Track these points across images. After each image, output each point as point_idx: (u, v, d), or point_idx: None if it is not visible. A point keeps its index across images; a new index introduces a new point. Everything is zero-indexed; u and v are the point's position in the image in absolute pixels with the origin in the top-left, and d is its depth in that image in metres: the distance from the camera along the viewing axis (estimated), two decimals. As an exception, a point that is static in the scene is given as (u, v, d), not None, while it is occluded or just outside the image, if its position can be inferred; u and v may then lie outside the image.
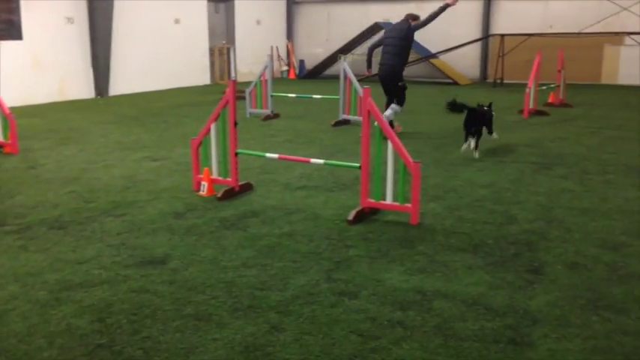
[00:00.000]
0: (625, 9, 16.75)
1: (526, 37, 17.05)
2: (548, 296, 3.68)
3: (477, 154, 7.74)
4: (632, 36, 16.31)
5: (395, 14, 20.06)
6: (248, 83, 12.38)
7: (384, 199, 5.20)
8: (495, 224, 5.09)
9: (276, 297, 3.66)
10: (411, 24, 9.45)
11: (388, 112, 9.51)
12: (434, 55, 19.07)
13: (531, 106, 11.36)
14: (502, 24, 18.79)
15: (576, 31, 16.79)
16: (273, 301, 3.61)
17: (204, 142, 6.06)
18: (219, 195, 5.81)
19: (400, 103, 9.60)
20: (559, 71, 12.60)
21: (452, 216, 5.33)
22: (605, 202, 5.70)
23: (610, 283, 3.87)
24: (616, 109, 12.19)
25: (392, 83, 9.54)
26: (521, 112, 11.46)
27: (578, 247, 4.53)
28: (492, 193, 6.08)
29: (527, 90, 11.24)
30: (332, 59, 20.48)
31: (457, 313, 3.47)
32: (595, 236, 4.76)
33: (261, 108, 11.41)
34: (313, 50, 22.09)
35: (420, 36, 19.60)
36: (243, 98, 11.73)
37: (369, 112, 5.05)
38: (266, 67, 11.29)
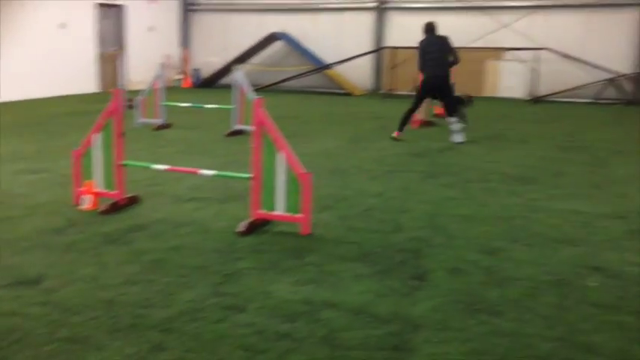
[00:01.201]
0: (505, 26, 17.84)
1: (416, 50, 17.71)
2: (431, 302, 3.81)
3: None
4: (511, 51, 17.41)
5: (291, 25, 20.30)
6: (140, 92, 12.02)
7: (276, 210, 5.19)
8: (384, 233, 5.22)
9: (159, 314, 3.54)
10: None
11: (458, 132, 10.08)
12: (328, 66, 19.41)
13: (421, 117, 11.79)
14: (394, 37, 19.42)
15: (462, 46, 17.66)
16: (157, 318, 3.49)
17: (87, 154, 5.79)
18: (102, 209, 5.57)
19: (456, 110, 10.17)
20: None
21: (342, 225, 5.41)
22: (485, 209, 6.00)
23: (487, 287, 4.06)
24: (497, 120, 12.91)
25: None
26: (411, 122, 11.85)
27: (459, 252, 4.73)
28: (382, 202, 6.24)
29: (416, 101, 11.65)
30: (228, 68, 20.33)
31: (344, 323, 3.51)
32: (475, 242, 4.99)
33: (153, 117, 11.10)
34: (209, 59, 21.82)
35: (314, 47, 20.02)
36: (133, 107, 11.37)
37: (260, 122, 5.04)
38: (158, 75, 11.00)
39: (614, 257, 4.67)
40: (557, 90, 17.31)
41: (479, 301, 3.84)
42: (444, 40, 10.12)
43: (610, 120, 13.63)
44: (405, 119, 10.21)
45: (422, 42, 10.31)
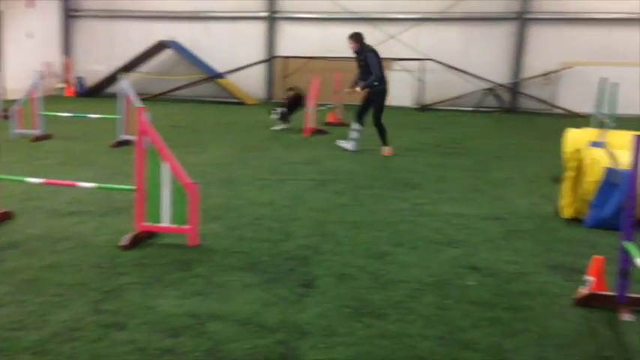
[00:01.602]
0: (392, 37, 18.46)
1: (307, 59, 17.97)
2: (318, 308, 3.83)
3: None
4: (399, 62, 18.03)
5: (181, 33, 19.91)
6: (16, 101, 11.30)
7: (162, 222, 5.03)
8: (273, 241, 5.20)
9: (32, 336, 3.32)
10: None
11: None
12: (220, 75, 19.22)
13: (312, 125, 11.93)
14: (285, 46, 19.56)
15: (351, 56, 18.09)
16: (28, 341, 3.26)
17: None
18: (-29, 226, 5.17)
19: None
20: (336, 92, 13.44)
21: (231, 235, 5.33)
22: (373, 215, 6.13)
23: (373, 291, 4.14)
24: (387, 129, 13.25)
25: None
26: (302, 130, 11.98)
27: (347, 258, 4.80)
28: (272, 210, 6.22)
29: (307, 110, 11.80)
30: (115, 77, 19.59)
31: (230, 334, 3.45)
32: (362, 247, 5.09)
33: (30, 128, 10.48)
34: (94, 67, 20.94)
35: (206, 55, 19.75)
36: (8, 117, 10.67)
37: (143, 132, 4.87)
38: (35, 84, 10.40)
39: (491, 257, 4.92)
40: (442, 99, 18.12)
41: (365, 305, 3.91)
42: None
43: (490, 127, 14.44)
44: (382, 132, 9.94)
45: (375, 50, 9.93)
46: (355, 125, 9.98)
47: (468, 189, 7.45)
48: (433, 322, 3.67)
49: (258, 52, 19.80)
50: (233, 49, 19.87)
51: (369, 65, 9.60)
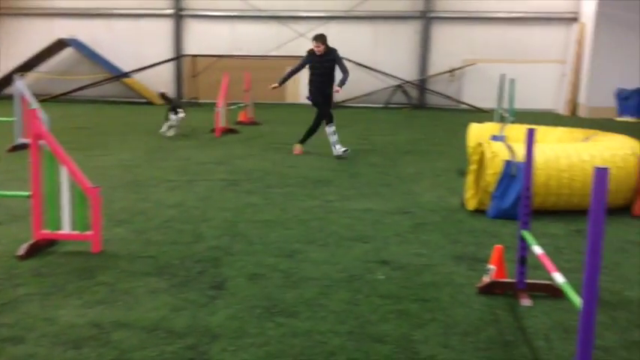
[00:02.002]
0: (302, 35, 18.53)
1: (216, 58, 17.73)
2: (229, 310, 3.77)
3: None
4: (309, 60, 18.14)
5: (82, 31, 19.11)
6: None
7: (62, 229, 4.80)
8: (183, 244, 5.08)
9: None
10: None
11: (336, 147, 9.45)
12: (126, 75, 18.62)
13: (223, 124, 11.78)
14: (193, 44, 19.21)
15: (261, 54, 18.03)
16: None
17: None
18: None
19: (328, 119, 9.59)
20: (246, 91, 13.34)
21: (138, 240, 5.17)
22: (284, 213, 6.12)
23: (284, 290, 4.13)
24: (298, 126, 13.25)
25: None
26: (213, 130, 11.80)
27: (258, 258, 4.76)
28: (181, 212, 6.08)
29: (217, 109, 11.64)
30: (10, 77, 18.54)
31: (137, 342, 3.34)
32: (274, 246, 5.06)
33: None
34: (-12, 67, 19.73)
35: (109, 54, 19.07)
36: None
37: (37, 135, 4.62)
38: None
39: (400, 250, 5.03)
40: (352, 96, 18.38)
41: (276, 304, 3.88)
42: None
43: (399, 123, 14.79)
44: (314, 131, 9.78)
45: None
46: (331, 128, 9.43)
47: (377, 184, 7.59)
48: (344, 318, 3.70)
49: (165, 51, 19.33)
50: (138, 48, 19.30)
51: (341, 66, 9.24)
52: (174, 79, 19.65)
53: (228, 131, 11.93)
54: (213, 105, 12.83)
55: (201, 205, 6.36)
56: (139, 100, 18.51)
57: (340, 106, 17.92)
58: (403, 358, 3.23)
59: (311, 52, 9.32)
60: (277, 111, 16.34)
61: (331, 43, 21.06)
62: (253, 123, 13.32)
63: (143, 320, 3.60)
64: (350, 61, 18.11)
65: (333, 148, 9.33)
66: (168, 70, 19.42)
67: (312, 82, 9.47)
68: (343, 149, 9.30)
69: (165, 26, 19.41)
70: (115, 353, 3.20)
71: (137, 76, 18.91)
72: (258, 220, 5.86)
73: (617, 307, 3.96)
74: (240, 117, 13.48)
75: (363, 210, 6.29)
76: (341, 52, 19.32)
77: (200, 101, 17.86)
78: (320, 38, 9.29)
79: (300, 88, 18.82)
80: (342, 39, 18.64)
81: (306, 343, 3.36)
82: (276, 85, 9.58)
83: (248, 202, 6.53)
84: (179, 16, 19.27)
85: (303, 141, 9.72)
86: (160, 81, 19.33)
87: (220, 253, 4.84)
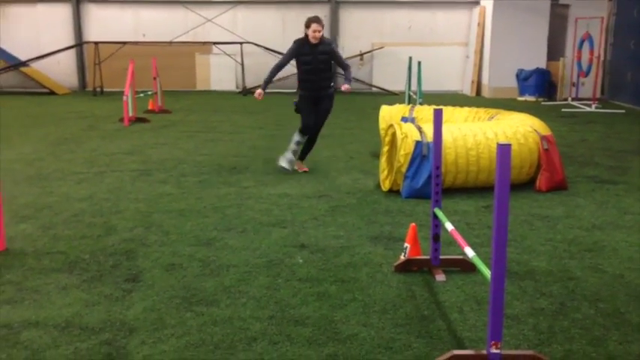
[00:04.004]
0: (209, 20, 18.18)
1: (120, 44, 17.10)
2: (146, 302, 3.68)
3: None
4: (218, 45, 17.83)
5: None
6: None
7: (-40, 228, 4.50)
8: (94, 237, 4.89)
9: None
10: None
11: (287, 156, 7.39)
12: (23, 64, 17.63)
13: (131, 113, 11.39)
14: (95, 31, 18.39)
15: (168, 40, 17.55)
16: None
17: None
18: None
19: (301, 128, 7.38)
20: (154, 79, 12.96)
21: (46, 235, 4.93)
22: (199, 201, 6.02)
23: (203, 278, 4.07)
24: (210, 114, 13.11)
25: None
26: (121, 120, 11.40)
27: (175, 248, 4.66)
28: (91, 205, 5.85)
29: (125, 98, 11.25)
30: None
31: (49, 341, 3.20)
32: (190, 235, 4.97)
33: None
34: None
35: (5, 43, 17.96)
36: None
37: None
38: None
39: (318, 233, 5.07)
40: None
41: (195, 293, 3.82)
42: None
43: (311, 108, 14.85)
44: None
45: None
46: (301, 137, 7.40)
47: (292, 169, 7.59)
48: (264, 303, 3.69)
49: (65, 38, 18.39)
50: (36, 35, 18.27)
51: (340, 60, 7.34)
52: (78, 67, 18.78)
53: (138, 120, 11.56)
54: (119, 94, 12.39)
55: (112, 197, 6.14)
56: (40, 91, 17.56)
57: (251, 92, 17.76)
58: (324, 338, 3.27)
59: (301, 42, 7.12)
60: (188, 98, 15.99)
61: (239, 28, 20.74)
62: (163, 111, 12.96)
63: (55, 318, 3.45)
64: (259, 46, 18.00)
65: (285, 153, 7.38)
66: (70, 58, 18.53)
67: (305, 82, 7.26)
68: (287, 165, 7.30)
69: (64, 12, 18.45)
70: (26, 354, 3.05)
71: (36, 65, 17.93)
72: (173, 209, 5.73)
73: (524, 277, 4.17)
74: (150, 105, 13.08)
75: (279, 195, 6.29)
76: (250, 37, 18.96)
77: (105, 90, 17.17)
78: (320, 21, 7.07)
79: (211, 73, 18.50)
80: (250, 24, 18.48)
81: (227, 331, 3.33)
82: (261, 91, 7.38)
83: (162, 192, 6.37)
84: (78, 1, 18.38)
85: (305, 155, 7.57)
86: (62, 69, 18.43)
87: (134, 245, 4.70)
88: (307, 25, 7.05)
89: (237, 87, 18.35)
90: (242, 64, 17.77)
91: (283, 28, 18.47)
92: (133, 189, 6.50)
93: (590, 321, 3.51)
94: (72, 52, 18.43)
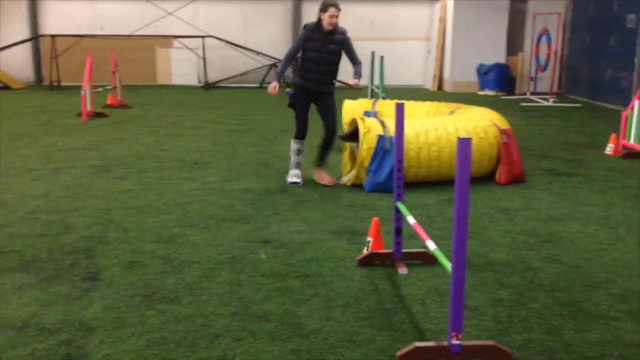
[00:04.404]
0: (170, 13, 17.92)
1: (78, 38, 16.73)
2: (105, 301, 3.61)
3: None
4: (179, 39, 17.60)
5: None
6: None
7: None
8: (51, 236, 4.78)
9: None
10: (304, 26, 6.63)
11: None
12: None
13: (90, 108, 11.16)
14: (52, 24, 17.94)
15: (127, 34, 17.24)
16: None
17: None
18: None
19: (295, 132, 6.68)
20: (113, 73, 12.73)
21: (1, 234, 4.80)
22: (161, 197, 5.93)
23: (165, 275, 4.02)
24: (172, 108, 12.93)
25: None
26: (79, 115, 11.16)
27: (135, 245, 4.59)
28: (48, 202, 5.71)
29: (83, 92, 11.01)
30: None
31: (5, 342, 3.12)
32: (151, 232, 4.90)
33: None
34: None
35: (-44, 35, 17.35)
36: None
37: None
38: None
39: (281, 228, 5.05)
40: (226, 76, 18.10)
41: (156, 291, 3.77)
42: None
43: (275, 102, 14.75)
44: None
45: None
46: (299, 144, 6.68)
47: (255, 164, 7.56)
48: (227, 299, 3.66)
49: (20, 31, 17.90)
50: (-10, 28, 17.75)
51: (352, 53, 6.50)
52: (34, 61, 18.30)
53: (96, 115, 11.32)
54: (77, 88, 12.12)
55: (70, 194, 6.01)
56: (-7, 85, 17.06)
57: (214, 86, 17.62)
58: (288, 334, 3.26)
59: (313, 27, 6.37)
60: (148, 93, 15.74)
61: (201, 21, 20.48)
62: (123, 106, 12.73)
63: (10, 319, 3.36)
64: (221, 40, 17.84)
65: (289, 170, 6.64)
66: (26, 51, 18.04)
67: (307, 72, 6.43)
68: (296, 179, 6.54)
69: (19, 4, 17.96)
70: (-20, 357, 2.97)
71: (-10, 59, 17.41)
72: (134, 206, 5.64)
73: (484, 268, 4.23)
74: (109, 100, 12.83)
75: (242, 190, 6.25)
76: (212, 31, 18.70)
77: (63, 84, 16.78)
78: (338, 5, 6.32)
79: (172, 67, 18.26)
80: (212, 18, 18.28)
81: (190, 328, 3.30)
82: (276, 84, 6.41)
83: (122, 188, 6.26)
84: (35, -6, 17.91)
85: (320, 163, 6.69)
86: (17, 63, 17.94)
87: (93, 243, 4.61)
88: (323, 9, 6.23)
89: (199, 81, 18.15)
90: (204, 58, 17.58)
91: (245, 22, 18.34)
92: (91, 186, 6.37)
93: (547, 311, 3.59)
94: (27, 46, 17.95)
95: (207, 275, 4.04)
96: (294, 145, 6.62)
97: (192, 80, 18.24)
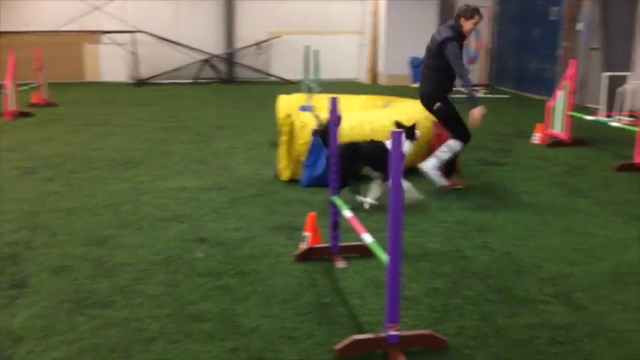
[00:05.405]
0: (97, 8, 17.37)
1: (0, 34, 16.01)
2: (33, 309, 3.47)
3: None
4: (108, 35, 17.10)
5: None
6: None
7: None
8: (-27, 242, 4.55)
9: None
10: (447, 43, 5.85)
11: (432, 161, 6.08)
12: None
13: (13, 107, 10.69)
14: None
15: (52, 30, 16.62)
16: None
17: None
18: None
19: (458, 136, 6.10)
20: (38, 70, 12.23)
21: None
22: (91, 199, 5.75)
23: (96, 280, 3.89)
24: (101, 106, 12.55)
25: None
26: (2, 114, 10.66)
27: (64, 249, 4.43)
28: (-31, 207, 5.44)
29: (5, 91, 10.53)
30: None
31: None
32: (81, 235, 4.74)
33: None
34: None
35: None
36: None
37: None
38: None
39: (218, 226, 4.98)
40: (158, 72, 17.71)
41: (88, 296, 3.65)
42: (441, 35, 5.96)
43: (209, 98, 14.56)
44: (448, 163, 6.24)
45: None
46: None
47: (191, 162, 7.43)
48: (163, 301, 3.58)
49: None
50: None
51: (452, 56, 5.85)
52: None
53: (21, 115, 10.85)
54: None
55: (-5, 198, 5.74)
56: None
57: (146, 83, 17.22)
58: (225, 333, 3.22)
59: (457, 34, 5.96)
60: (76, 90, 15.22)
61: (130, 16, 19.98)
62: (49, 104, 12.25)
63: None
64: (153, 35, 17.45)
65: (434, 177, 6.09)
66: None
67: (450, 83, 6.23)
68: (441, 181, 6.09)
69: None
70: None
71: None
72: (62, 208, 5.43)
73: (420, 259, 4.30)
74: (34, 98, 12.32)
75: (177, 189, 6.13)
76: (142, 26, 18.28)
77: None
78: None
79: (101, 64, 17.72)
80: (142, 12, 17.83)
81: (123, 333, 3.20)
82: (480, 109, 5.98)
83: (49, 191, 6.02)
84: (-50, -13, 16.99)
85: (449, 173, 6.29)
86: None
87: (19, 249, 4.42)
88: (469, 16, 5.94)
89: (130, 78, 17.69)
90: (135, 54, 17.15)
91: (177, 17, 17.99)
92: (16, 188, 6.10)
93: (480, 297, 3.68)
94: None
95: (141, 277, 3.94)
96: (458, 147, 6.09)
97: (123, 77, 17.76)
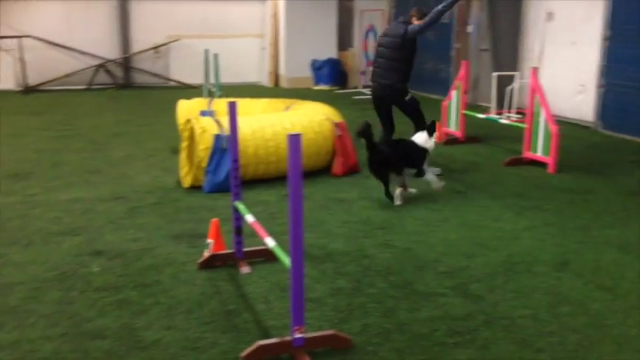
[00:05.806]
0: (-21, 12, 16.30)
1: None
2: None
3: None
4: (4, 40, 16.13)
5: None
6: None
7: None
8: None
9: None
10: (408, 27, 6.74)
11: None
12: None
13: None
14: None
15: None
16: None
17: None
18: None
19: (420, 125, 6.75)
20: None
21: None
22: (-24, 215, 5.37)
23: (-18, 301, 3.64)
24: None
25: (392, 104, 7.22)
26: None
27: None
28: None
29: None
30: None
31: None
32: (-35, 254, 4.41)
33: None
34: None
35: None
36: None
37: None
38: None
39: (116, 238, 4.80)
40: (49, 79, 16.86)
41: (-28, 319, 3.40)
42: (399, 30, 6.79)
43: (105, 104, 14.02)
44: None
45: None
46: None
47: (85, 171, 7.11)
48: (56, 320, 3.40)
49: None
50: None
51: (423, 24, 6.77)
52: None
53: None
54: None
55: None
56: None
57: (35, 90, 16.35)
58: (125, 349, 3.10)
59: None
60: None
61: (16, 21, 18.98)
62: None
63: None
64: (42, 40, 16.61)
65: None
66: None
67: (410, 70, 7.17)
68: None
69: None
70: None
71: None
72: (-57, 227, 5.05)
73: (324, 260, 4.34)
74: None
75: (71, 200, 5.85)
76: (30, 31, 17.44)
77: None
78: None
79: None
80: (30, 17, 16.93)
81: (14, 356, 3.01)
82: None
83: None
84: None
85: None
86: None
87: None
88: (419, 18, 6.83)
89: (17, 85, 16.72)
90: (22, 60, 16.24)
91: (68, 21, 17.21)
92: None
93: (383, 294, 3.76)
94: None
95: (33, 296, 3.72)
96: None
97: (9, 84, 16.77)
